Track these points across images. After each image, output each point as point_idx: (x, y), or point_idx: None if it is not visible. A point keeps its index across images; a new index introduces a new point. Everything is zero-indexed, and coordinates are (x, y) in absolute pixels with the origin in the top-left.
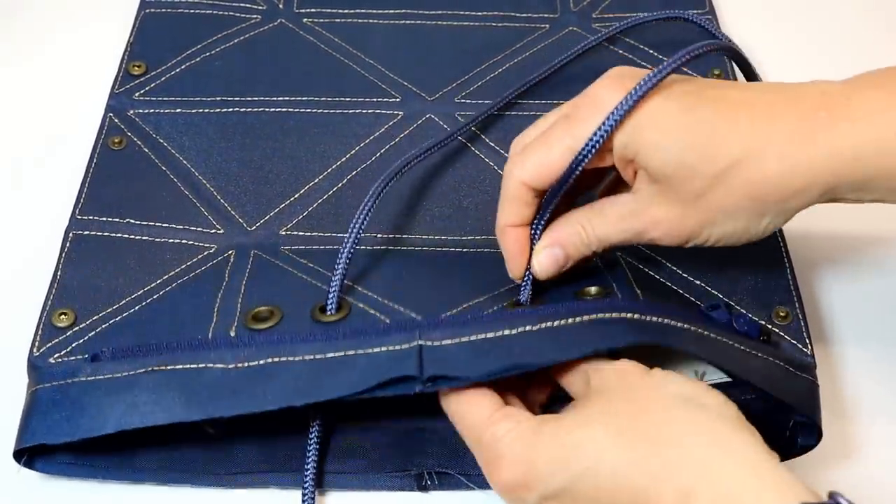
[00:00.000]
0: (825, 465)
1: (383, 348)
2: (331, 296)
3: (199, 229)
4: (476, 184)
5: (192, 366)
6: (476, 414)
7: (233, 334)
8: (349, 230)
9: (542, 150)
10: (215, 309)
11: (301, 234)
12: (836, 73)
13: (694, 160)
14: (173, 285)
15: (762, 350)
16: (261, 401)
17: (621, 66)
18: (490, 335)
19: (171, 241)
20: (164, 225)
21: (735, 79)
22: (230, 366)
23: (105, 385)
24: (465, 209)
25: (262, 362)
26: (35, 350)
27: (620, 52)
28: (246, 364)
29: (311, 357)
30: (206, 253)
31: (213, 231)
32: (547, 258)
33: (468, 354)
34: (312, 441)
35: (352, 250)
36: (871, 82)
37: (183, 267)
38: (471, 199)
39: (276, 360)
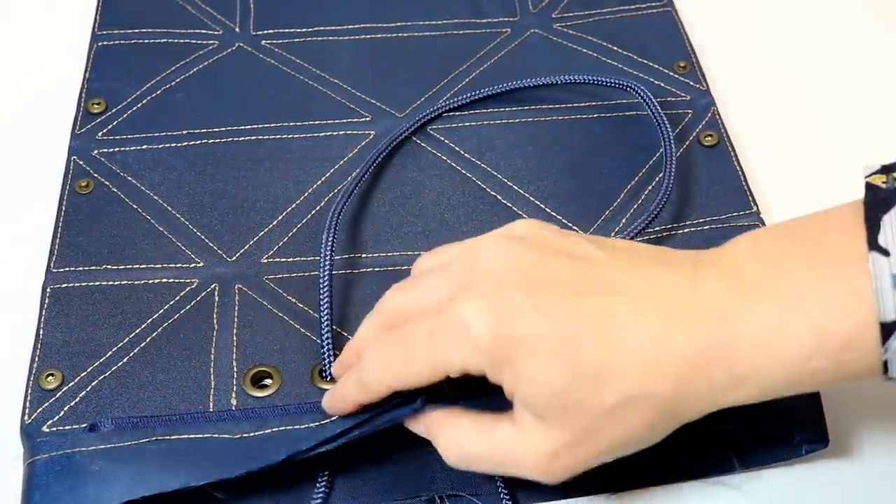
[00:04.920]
0: (825, 460)
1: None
2: (325, 363)
3: (178, 265)
4: (456, 196)
5: (197, 436)
6: None
7: (234, 402)
8: (319, 277)
9: (405, 364)
10: (210, 368)
11: (283, 260)
12: (795, 56)
13: (581, 396)
14: (160, 329)
15: None
16: (268, 457)
17: (505, 248)
18: None
19: (151, 281)
20: (143, 266)
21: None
22: (236, 436)
23: (108, 454)
24: (447, 223)
25: (267, 432)
26: (27, 417)
27: (585, 50)
28: (252, 434)
29: (316, 424)
30: (188, 289)
31: (193, 265)
32: (411, 424)
33: None
34: (322, 484)
35: (329, 301)
36: (762, 282)
37: (166, 307)
38: (452, 212)
39: (282, 428)
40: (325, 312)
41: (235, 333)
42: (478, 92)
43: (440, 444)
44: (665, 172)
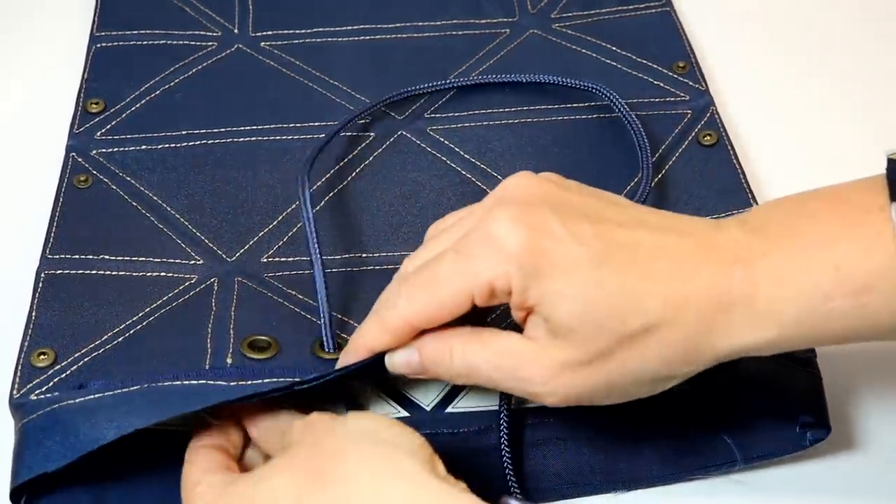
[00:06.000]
0: (829, 454)
1: None
2: (325, 335)
3: (177, 261)
4: (456, 196)
5: (191, 382)
6: (192, 474)
7: (230, 361)
8: (311, 255)
9: (432, 289)
10: (208, 339)
11: (283, 260)
12: (794, 54)
13: (603, 318)
14: (157, 315)
15: None
16: (264, 387)
17: (524, 178)
18: None
19: (149, 274)
20: (141, 259)
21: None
22: (232, 383)
23: (96, 403)
24: None
25: (264, 381)
26: (15, 392)
27: (584, 51)
28: (249, 382)
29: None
30: (187, 284)
31: (192, 262)
32: (401, 359)
33: None
34: None
35: (325, 279)
36: (784, 225)
37: (165, 298)
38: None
39: (279, 379)
40: (318, 269)
41: (234, 312)
42: (444, 82)
43: (444, 354)
44: (642, 174)
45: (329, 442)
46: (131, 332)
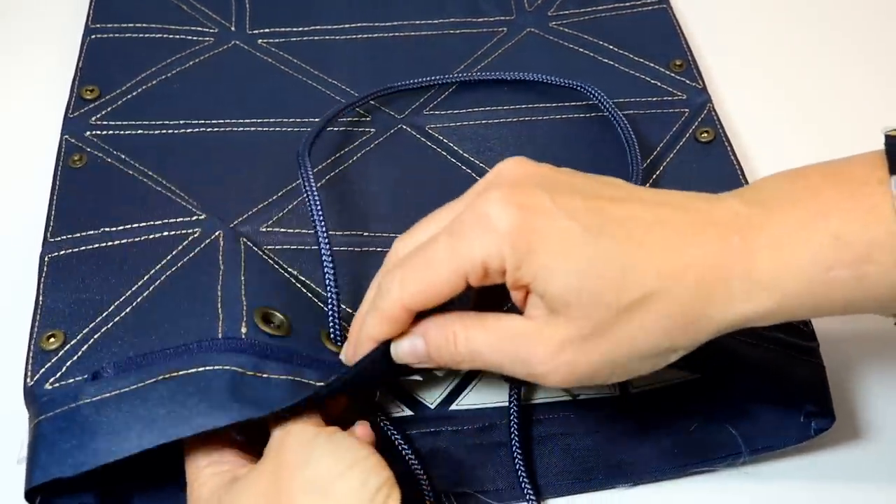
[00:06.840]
0: (833, 444)
1: None
2: (332, 329)
3: (178, 219)
4: (456, 188)
5: (208, 368)
6: (200, 458)
7: (244, 331)
8: (317, 236)
9: (425, 271)
10: (218, 302)
11: (283, 230)
12: (791, 50)
13: (599, 290)
14: (163, 278)
15: (761, 339)
16: (272, 404)
17: (517, 162)
18: None
19: (152, 236)
20: (142, 224)
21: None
22: (249, 372)
23: (114, 402)
24: None
25: (283, 377)
26: (29, 379)
27: (581, 49)
28: (267, 375)
29: (323, 384)
30: (190, 239)
31: (195, 218)
32: (406, 348)
33: None
34: None
35: (333, 267)
36: (783, 197)
37: (170, 257)
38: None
39: (296, 379)
40: (325, 249)
41: (243, 276)
42: (436, 78)
43: (448, 339)
44: (631, 171)
45: (287, 479)
46: (138, 300)
